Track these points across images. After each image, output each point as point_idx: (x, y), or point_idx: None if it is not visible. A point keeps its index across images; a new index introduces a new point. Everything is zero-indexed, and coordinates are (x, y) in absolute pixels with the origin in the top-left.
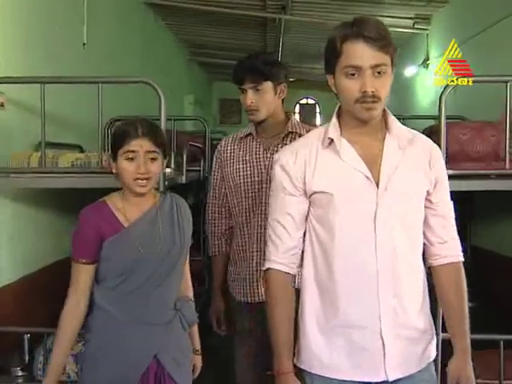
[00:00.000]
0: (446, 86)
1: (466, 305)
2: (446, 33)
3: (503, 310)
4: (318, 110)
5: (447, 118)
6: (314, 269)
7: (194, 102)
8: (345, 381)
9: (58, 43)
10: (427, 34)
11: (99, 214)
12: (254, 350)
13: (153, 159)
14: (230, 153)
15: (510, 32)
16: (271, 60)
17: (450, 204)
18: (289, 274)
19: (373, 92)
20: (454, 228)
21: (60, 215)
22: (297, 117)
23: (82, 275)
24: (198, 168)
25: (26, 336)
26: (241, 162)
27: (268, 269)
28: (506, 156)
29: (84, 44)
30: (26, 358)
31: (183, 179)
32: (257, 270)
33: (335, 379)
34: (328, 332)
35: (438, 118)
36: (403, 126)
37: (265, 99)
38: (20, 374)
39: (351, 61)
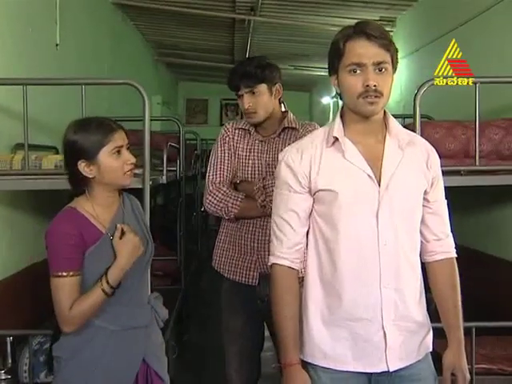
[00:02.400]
0: (421, 86)
1: (460, 299)
2: (410, 35)
3: (472, 299)
4: (282, 108)
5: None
6: (318, 264)
7: (161, 103)
8: (347, 372)
9: (32, 44)
10: (392, 36)
11: (77, 222)
12: (245, 349)
13: (128, 149)
14: (238, 137)
15: (474, 34)
16: (263, 63)
17: (445, 202)
18: (293, 268)
19: (375, 86)
20: (448, 225)
21: (36, 217)
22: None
23: (73, 289)
24: (173, 168)
25: (8, 339)
26: (245, 150)
27: (273, 264)
28: (475, 153)
29: (57, 45)
30: (9, 361)
31: (164, 179)
32: (251, 253)
33: (338, 370)
34: (331, 324)
35: (412, 117)
36: (402, 128)
37: (261, 101)
38: (3, 377)
39: (354, 58)
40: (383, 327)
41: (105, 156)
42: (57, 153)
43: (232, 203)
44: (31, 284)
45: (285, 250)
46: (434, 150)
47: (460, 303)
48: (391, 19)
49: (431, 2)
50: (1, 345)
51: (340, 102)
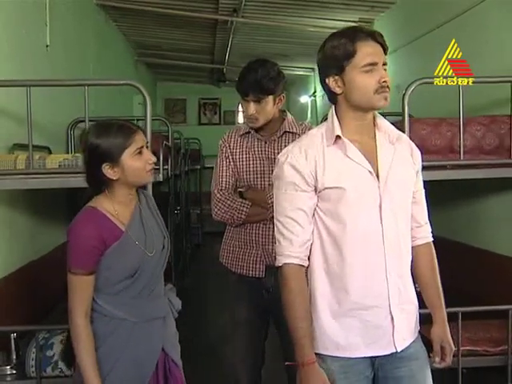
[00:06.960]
0: (409, 86)
1: (439, 279)
2: (388, 36)
3: (456, 287)
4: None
5: (397, 114)
6: (324, 259)
7: (142, 103)
8: (356, 358)
9: (24, 46)
10: None
11: (97, 222)
12: (250, 338)
13: (147, 148)
14: (234, 143)
15: (452, 36)
16: (274, 75)
17: (423, 192)
18: (303, 266)
19: (387, 82)
20: (427, 213)
21: (33, 217)
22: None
23: (88, 287)
24: (165, 167)
25: (12, 335)
26: (244, 153)
27: (284, 264)
28: (460, 149)
29: (47, 46)
30: (14, 356)
31: (161, 177)
32: (256, 247)
33: (349, 358)
34: (341, 316)
35: (401, 115)
36: (389, 123)
37: (265, 110)
38: (9, 372)
39: (369, 59)
40: (391, 312)
41: (128, 157)
42: (50, 152)
43: (239, 211)
44: (30, 282)
45: (296, 249)
46: (414, 145)
47: (440, 284)
48: (369, 21)
49: (409, 4)
50: (4, 341)
51: (318, 102)
